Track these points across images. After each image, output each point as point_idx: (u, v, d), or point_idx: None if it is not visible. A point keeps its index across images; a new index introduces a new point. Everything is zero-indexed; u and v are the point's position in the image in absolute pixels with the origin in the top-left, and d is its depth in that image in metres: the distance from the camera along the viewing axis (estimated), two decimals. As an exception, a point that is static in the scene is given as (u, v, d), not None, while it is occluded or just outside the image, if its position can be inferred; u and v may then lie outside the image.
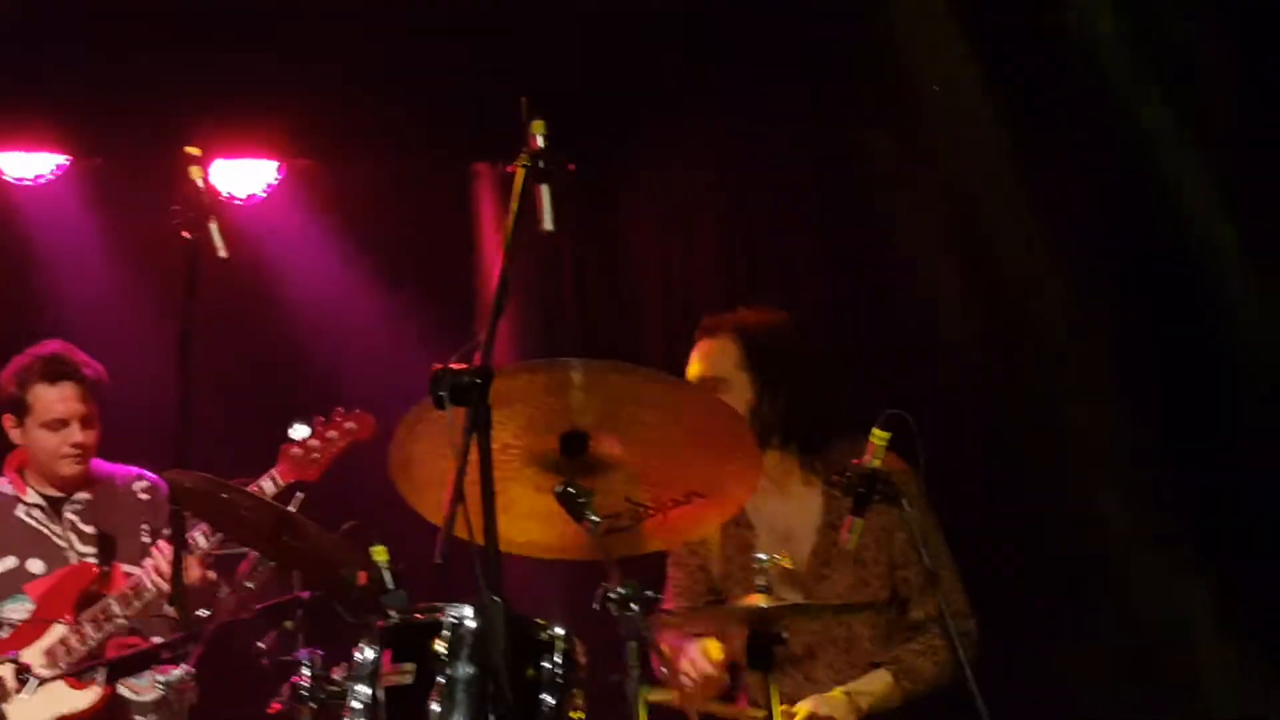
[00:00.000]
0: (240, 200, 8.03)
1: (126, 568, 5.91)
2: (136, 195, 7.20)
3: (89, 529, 6.01)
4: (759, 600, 4.42)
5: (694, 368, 5.26)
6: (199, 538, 5.72)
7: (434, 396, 3.67)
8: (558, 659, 4.07)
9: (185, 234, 5.04)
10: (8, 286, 7.67)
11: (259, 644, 5.07)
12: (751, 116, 7.38)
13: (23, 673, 5.29)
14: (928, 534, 5.11)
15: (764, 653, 4.38)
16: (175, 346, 5.14)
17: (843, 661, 5.13)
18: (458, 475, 3.56)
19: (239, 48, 7.29)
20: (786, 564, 4.70)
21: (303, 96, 7.55)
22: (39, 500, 6.02)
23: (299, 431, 5.90)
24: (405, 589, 4.28)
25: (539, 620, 4.12)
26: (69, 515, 6.03)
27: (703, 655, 4.92)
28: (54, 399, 5.92)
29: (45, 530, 6.00)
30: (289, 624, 4.96)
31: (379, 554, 4.37)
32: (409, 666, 4.04)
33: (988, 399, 6.80)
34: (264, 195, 8.06)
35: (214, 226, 5.00)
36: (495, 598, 3.62)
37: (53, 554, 5.97)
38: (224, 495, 4.85)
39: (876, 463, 4.51)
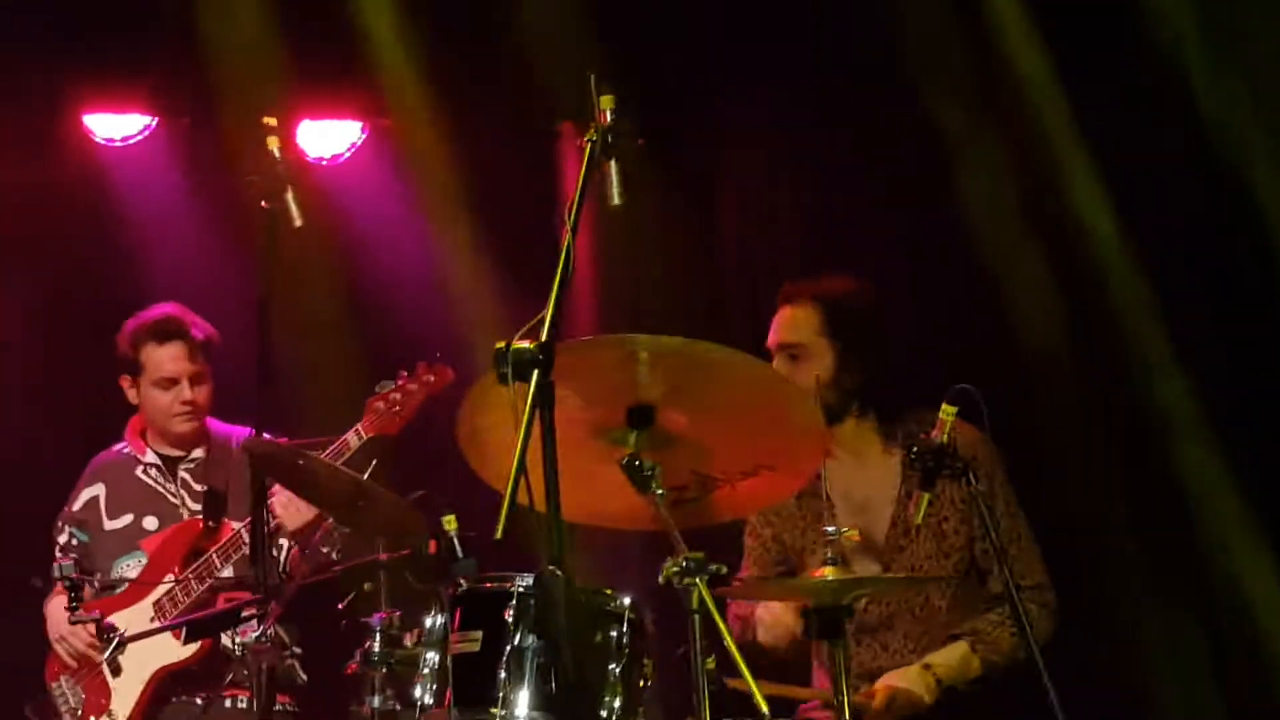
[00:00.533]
0: (325, 160, 8.12)
1: (235, 524, 6.03)
2: (222, 157, 7.26)
3: (200, 486, 6.15)
4: (827, 573, 4.44)
5: (776, 334, 5.28)
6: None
7: (496, 373, 3.70)
8: (625, 628, 4.12)
9: (263, 203, 5.08)
10: (98, 247, 7.78)
11: (338, 605, 5.16)
12: (828, 91, 7.35)
13: (108, 633, 5.39)
14: (1003, 506, 5.13)
15: (832, 625, 4.39)
16: (256, 316, 5.21)
17: (919, 631, 5.14)
18: (519, 452, 3.60)
19: (320, 11, 7.35)
20: (854, 536, 4.72)
21: (385, 57, 7.59)
22: (156, 460, 6.20)
23: (384, 386, 5.97)
24: (475, 557, 4.33)
25: (607, 590, 4.18)
26: (183, 474, 6.20)
27: (781, 608, 4.99)
28: (164, 358, 6.09)
29: (160, 488, 6.17)
30: (368, 586, 5.03)
31: (449, 522, 4.44)
32: (476, 634, 4.10)
33: (1062, 376, 6.77)
34: (348, 155, 8.14)
35: (290, 196, 5.05)
36: (556, 569, 3.65)
37: (166, 511, 6.14)
38: (300, 462, 4.92)
39: (944, 437, 4.51)
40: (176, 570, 5.97)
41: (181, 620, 5.72)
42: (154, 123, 7.88)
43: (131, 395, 6.20)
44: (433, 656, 4.30)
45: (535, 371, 3.70)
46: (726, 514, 4.45)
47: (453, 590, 4.20)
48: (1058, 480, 6.39)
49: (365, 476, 4.98)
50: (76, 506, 6.22)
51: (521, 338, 3.77)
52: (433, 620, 4.34)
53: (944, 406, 4.53)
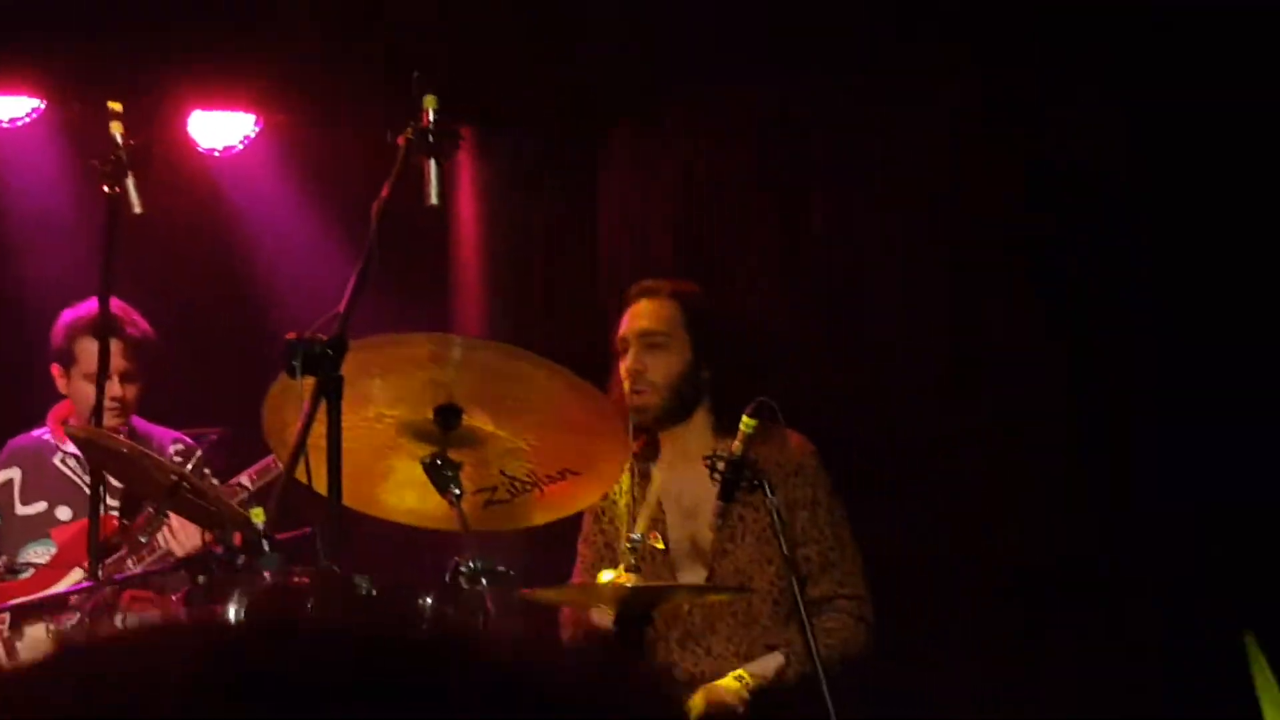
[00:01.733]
0: (217, 152, 8.10)
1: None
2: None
3: (118, 483, 6.09)
4: (627, 580, 4.44)
5: (634, 323, 5.26)
6: (244, 479, 5.83)
7: (286, 366, 3.69)
8: (425, 628, 4.11)
9: (105, 188, 5.07)
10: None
11: (172, 597, 5.14)
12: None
13: None
14: (827, 515, 5.16)
15: (633, 633, 4.39)
16: (97, 301, 5.20)
17: (741, 636, 5.15)
18: (296, 446, 3.59)
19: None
20: (658, 545, 4.73)
21: (280, 52, 7.57)
22: (75, 450, 6.12)
23: None
24: (281, 552, 4.31)
25: (409, 588, 4.18)
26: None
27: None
28: (96, 352, 6.01)
29: (78, 480, 6.09)
30: (202, 579, 5.00)
31: (256, 515, 4.40)
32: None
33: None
34: (240, 148, 8.12)
35: (130, 182, 5.03)
36: (334, 566, 3.64)
37: (81, 503, 6.03)
38: (123, 450, 4.90)
39: (740, 449, 4.52)
40: (86, 564, 5.91)
41: (7, 605, 5.68)
42: (42, 105, 7.85)
43: (61, 384, 6.16)
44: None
45: (324, 365, 3.68)
46: (538, 517, 4.45)
47: (254, 584, 4.17)
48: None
49: (189, 468, 4.96)
50: None
51: (316, 332, 3.76)
52: (235, 613, 4.30)
53: (744, 419, 4.53)
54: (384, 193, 4.03)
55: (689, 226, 7.38)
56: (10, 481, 6.16)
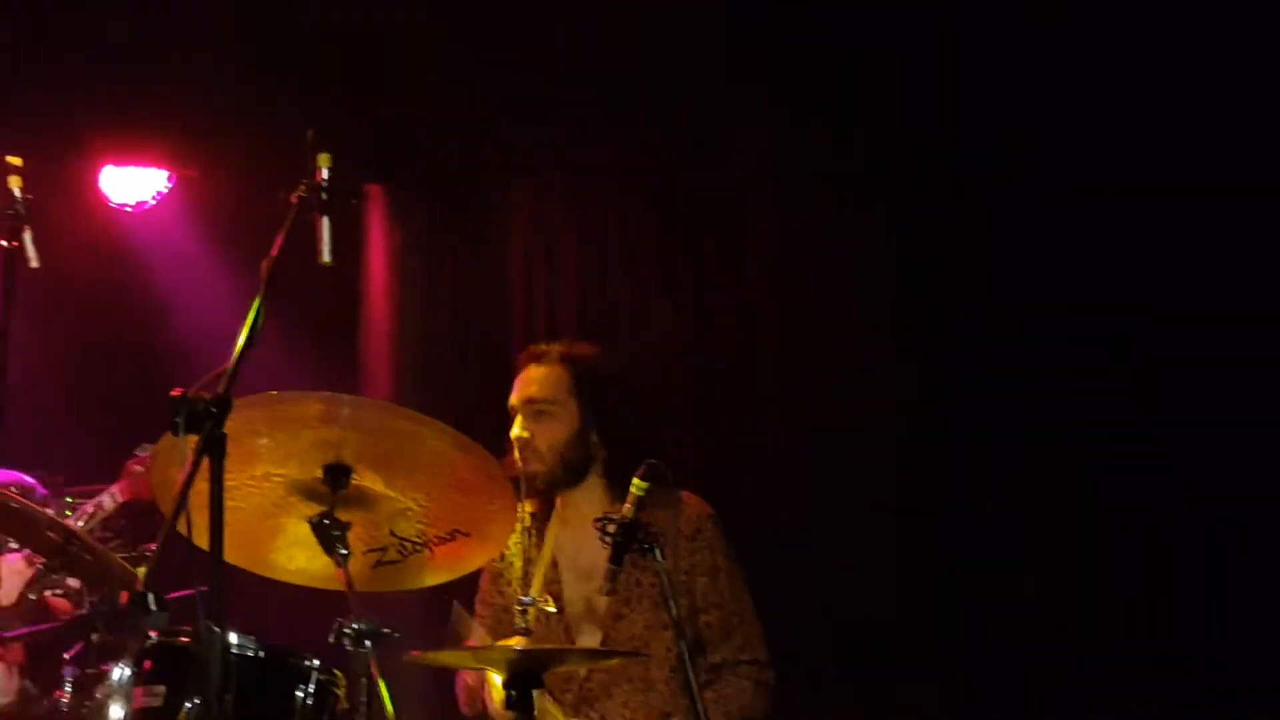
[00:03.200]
0: (130, 207, 8.08)
1: None
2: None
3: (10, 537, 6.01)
4: (514, 642, 4.41)
5: (522, 391, 5.25)
6: (72, 522, 5.76)
7: (170, 422, 3.66)
8: (311, 689, 4.10)
9: (2, 242, 5.04)
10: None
11: (64, 655, 5.08)
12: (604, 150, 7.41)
13: None
14: (726, 580, 5.14)
15: (523, 697, 4.35)
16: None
17: (638, 702, 5.10)
18: (177, 503, 3.55)
19: (134, 61, 7.32)
20: (549, 608, 4.71)
21: (193, 108, 7.56)
22: None
23: (143, 449, 5.90)
24: (168, 612, 4.27)
25: (297, 650, 4.15)
26: None
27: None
28: None
29: None
30: (96, 637, 4.96)
31: (142, 574, 4.36)
32: (160, 689, 4.06)
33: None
34: (153, 203, 8.10)
35: (28, 236, 5.00)
36: (213, 625, 3.60)
37: None
38: (13, 505, 4.85)
39: (631, 512, 4.50)
40: None
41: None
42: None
43: None
44: (116, 711, 4.22)
45: (208, 423, 3.65)
46: (429, 578, 4.42)
47: (141, 643, 4.14)
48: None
49: (83, 526, 4.91)
50: None
51: (201, 389, 3.73)
52: (120, 672, 4.26)
53: (635, 481, 4.53)
54: (274, 250, 4.01)
55: (594, 285, 7.40)
56: None
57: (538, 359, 5.30)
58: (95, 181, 7.98)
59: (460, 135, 7.49)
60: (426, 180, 7.75)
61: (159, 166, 8.10)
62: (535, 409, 5.21)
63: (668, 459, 4.69)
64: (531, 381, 5.25)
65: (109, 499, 5.87)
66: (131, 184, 8.10)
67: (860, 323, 6.77)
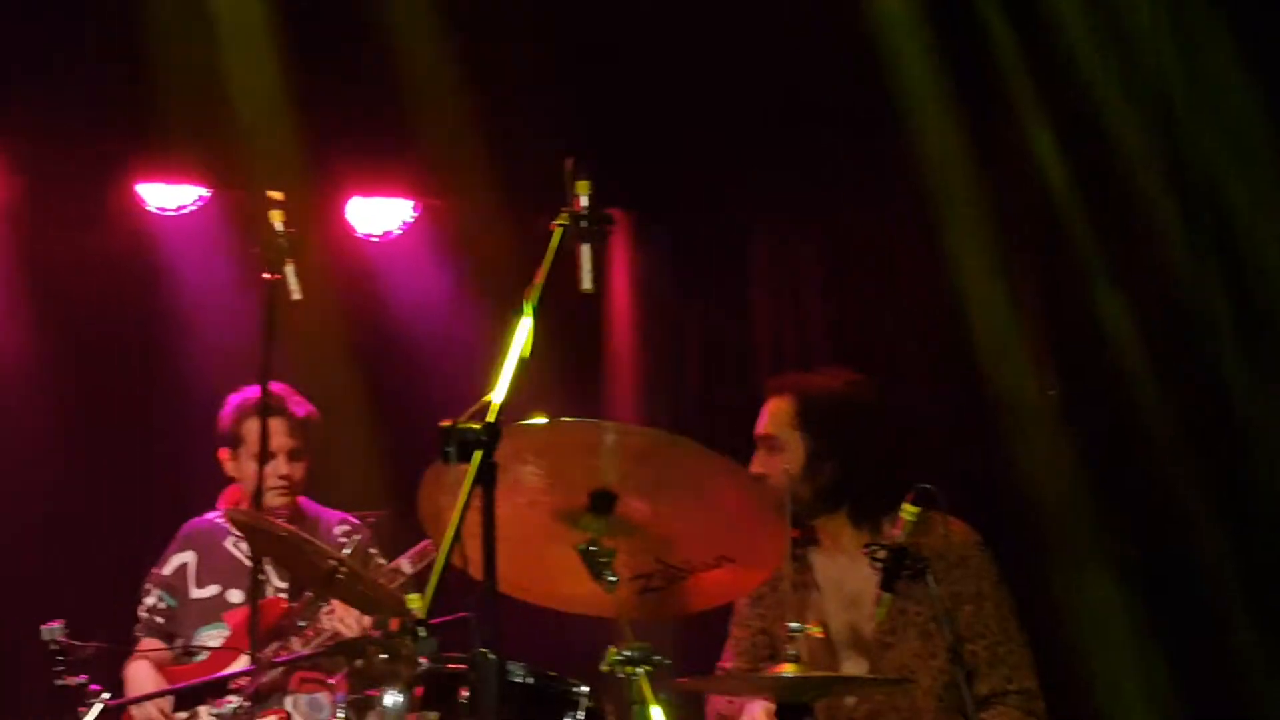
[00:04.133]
0: (375, 238, 8.20)
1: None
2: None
3: (279, 567, 6.16)
4: (787, 669, 4.37)
5: (759, 424, 5.24)
6: (404, 563, 5.87)
7: (441, 452, 3.69)
8: (580, 716, 4.10)
9: (265, 275, 5.13)
10: (147, 314, 7.90)
11: (329, 681, 5.16)
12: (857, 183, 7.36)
13: (91, 696, 5.40)
14: (993, 609, 5.04)
15: (792, 724, 4.32)
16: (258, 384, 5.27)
17: (904, 731, 5.04)
18: (451, 532, 3.58)
19: (377, 91, 7.43)
20: (817, 633, 4.65)
21: (438, 139, 7.66)
22: None
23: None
24: (438, 638, 4.30)
25: (566, 678, 4.16)
26: None
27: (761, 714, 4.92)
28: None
29: (248, 563, 6.11)
30: (359, 663, 5.01)
31: (413, 601, 4.40)
32: (433, 715, 4.09)
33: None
34: (399, 233, 8.22)
35: (289, 269, 5.09)
36: (489, 651, 3.62)
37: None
38: (283, 535, 4.94)
39: (904, 538, 4.45)
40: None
41: (173, 689, 5.74)
42: (208, 193, 7.99)
43: (230, 468, 6.26)
44: (389, 736, 4.26)
45: (479, 451, 3.67)
46: (695, 605, 4.39)
47: (412, 670, 4.18)
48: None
49: (349, 553, 4.98)
50: (167, 571, 6.26)
51: (470, 418, 3.75)
52: (392, 699, 4.30)
53: (905, 506, 4.47)
54: (538, 278, 4.01)
55: (842, 310, 7.35)
56: (185, 565, 6.26)
57: (774, 392, 5.28)
58: (342, 213, 8.11)
59: (708, 161, 7.49)
60: (672, 205, 7.76)
61: (404, 196, 8.21)
62: (766, 445, 5.19)
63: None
64: (764, 415, 5.24)
65: (408, 564, 5.96)
66: (378, 215, 8.21)
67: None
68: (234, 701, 5.05)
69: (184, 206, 7.99)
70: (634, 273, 7.91)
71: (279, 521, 5.39)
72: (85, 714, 5.18)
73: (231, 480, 6.32)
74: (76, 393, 7.82)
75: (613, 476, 4.12)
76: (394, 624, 4.38)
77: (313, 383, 6.60)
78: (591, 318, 8.00)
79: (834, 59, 6.97)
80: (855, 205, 7.42)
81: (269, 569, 6.16)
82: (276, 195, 5.20)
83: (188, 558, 6.26)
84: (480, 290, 8.14)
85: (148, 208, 7.97)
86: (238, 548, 6.22)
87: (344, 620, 5.79)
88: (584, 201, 4.16)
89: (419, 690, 4.21)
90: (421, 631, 4.21)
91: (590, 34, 7.10)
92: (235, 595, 6.14)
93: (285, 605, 6.06)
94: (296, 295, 5.13)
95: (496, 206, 8.11)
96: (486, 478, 3.69)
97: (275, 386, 6.17)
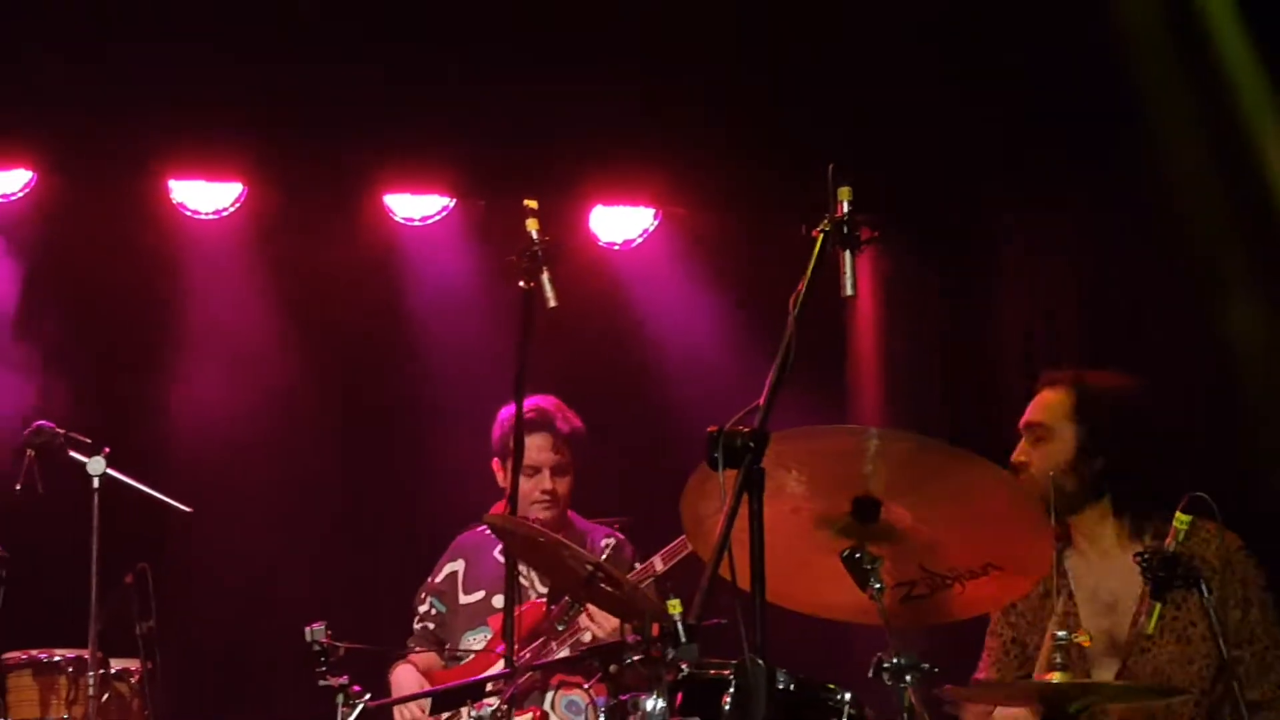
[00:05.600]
0: (616, 245, 8.26)
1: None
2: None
3: (536, 572, 6.27)
4: (1054, 677, 4.30)
5: (1026, 415, 5.20)
6: (657, 561, 5.93)
7: (708, 458, 3.70)
8: (845, 724, 4.07)
9: (521, 283, 5.18)
10: (395, 322, 8.04)
11: (583, 686, 5.19)
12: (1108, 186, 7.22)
13: (353, 698, 5.49)
14: (1259, 614, 4.94)
15: (1059, 733, 4.25)
16: (512, 389, 5.33)
17: (1160, 739, 4.95)
18: (721, 538, 3.58)
19: (618, 101, 7.48)
20: (1084, 642, 4.57)
21: (681, 147, 7.69)
22: None
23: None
24: (699, 644, 4.31)
25: (828, 684, 4.14)
26: None
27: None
28: (530, 447, 6.19)
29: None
30: (614, 668, 5.04)
31: (674, 607, 4.41)
32: (694, 721, 4.09)
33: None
34: (640, 241, 8.26)
35: (546, 277, 5.13)
36: (757, 658, 3.61)
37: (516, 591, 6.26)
38: (540, 540, 4.99)
39: (1175, 546, 4.36)
40: (517, 648, 6.05)
41: (431, 691, 5.83)
42: (451, 204, 8.11)
43: (501, 478, 6.38)
44: (653, 739, 4.27)
45: (746, 457, 3.67)
46: (959, 613, 4.34)
47: (674, 675, 4.19)
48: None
49: (603, 559, 5.01)
50: (438, 579, 6.46)
51: (736, 424, 3.75)
52: (653, 704, 4.32)
53: (1178, 515, 4.38)
54: (801, 285, 3.99)
55: (1094, 307, 7.22)
56: (455, 573, 6.44)
57: (1050, 383, 5.23)
58: (585, 222, 8.17)
59: (954, 162, 7.42)
60: (916, 207, 7.70)
61: (646, 205, 8.25)
62: (1034, 434, 5.15)
63: (1182, 492, 4.54)
64: (1036, 405, 5.20)
65: (660, 562, 6.00)
66: (619, 223, 8.27)
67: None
68: (492, 704, 5.10)
69: (429, 217, 8.11)
70: (877, 276, 7.86)
71: (536, 526, 5.45)
72: (348, 715, 5.26)
73: (504, 492, 6.40)
74: (338, 403, 8.00)
75: (876, 483, 4.10)
76: (655, 629, 4.42)
77: (560, 390, 6.65)
78: (835, 323, 7.96)
79: (1082, 59, 6.86)
80: (1106, 205, 7.27)
81: (532, 574, 6.25)
82: (532, 203, 5.24)
83: (457, 566, 6.45)
84: (722, 297, 8.15)
85: (395, 218, 8.09)
86: (503, 555, 6.28)
87: (600, 625, 5.85)
88: (844, 208, 4.11)
89: (679, 696, 4.22)
90: (683, 637, 4.23)
91: (835, 40, 7.07)
92: (499, 600, 6.26)
93: (544, 609, 6.16)
94: (552, 303, 5.16)
95: (738, 214, 8.14)
96: (754, 484, 3.68)
97: (545, 401, 6.27)
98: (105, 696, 6.46)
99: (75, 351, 7.69)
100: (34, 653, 6.63)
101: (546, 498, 6.25)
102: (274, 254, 8.02)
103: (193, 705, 7.13)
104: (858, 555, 4.06)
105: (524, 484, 6.22)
